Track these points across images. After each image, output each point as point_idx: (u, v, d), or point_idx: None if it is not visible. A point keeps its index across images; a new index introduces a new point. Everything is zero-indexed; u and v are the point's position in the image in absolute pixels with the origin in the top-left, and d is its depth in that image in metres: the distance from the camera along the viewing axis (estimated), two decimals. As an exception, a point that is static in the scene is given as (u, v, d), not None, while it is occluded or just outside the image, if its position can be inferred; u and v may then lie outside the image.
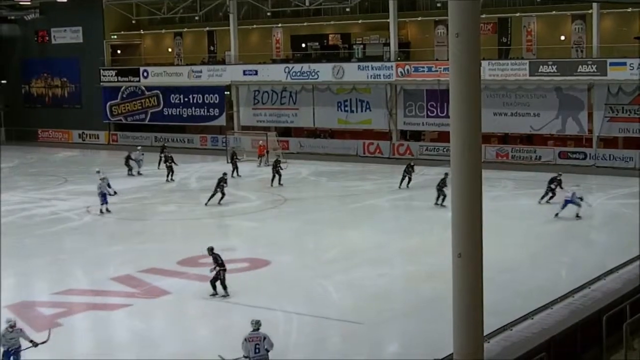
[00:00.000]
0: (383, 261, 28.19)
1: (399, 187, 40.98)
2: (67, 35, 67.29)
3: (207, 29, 63.62)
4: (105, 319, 23.01)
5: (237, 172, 46.41)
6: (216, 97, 59.77)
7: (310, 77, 54.96)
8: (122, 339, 21.62)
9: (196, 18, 62.78)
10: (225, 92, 59.20)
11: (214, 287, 24.33)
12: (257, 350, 17.54)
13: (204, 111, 60.58)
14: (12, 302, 24.43)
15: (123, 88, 64.08)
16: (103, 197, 37.31)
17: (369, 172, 47.19)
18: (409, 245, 30.39)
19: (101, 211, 37.20)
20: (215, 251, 24.45)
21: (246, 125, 58.21)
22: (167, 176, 45.65)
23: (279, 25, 59.81)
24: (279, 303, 23.62)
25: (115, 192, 39.06)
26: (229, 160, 47.77)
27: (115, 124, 65.73)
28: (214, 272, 24.28)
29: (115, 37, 66.57)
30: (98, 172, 41.26)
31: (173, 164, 45.99)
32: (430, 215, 34.16)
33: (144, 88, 63.16)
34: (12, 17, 69.67)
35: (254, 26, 61.41)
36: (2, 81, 72.57)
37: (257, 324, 17.85)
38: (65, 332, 21.96)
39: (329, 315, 22.53)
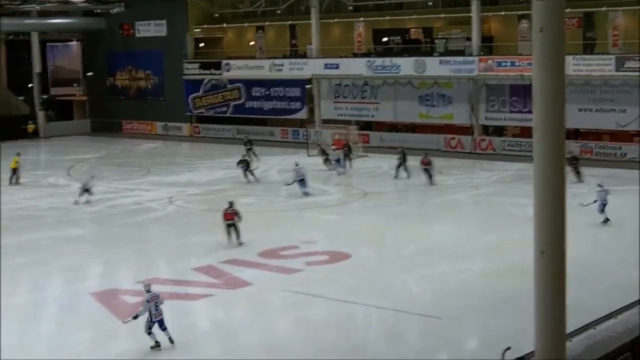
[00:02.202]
0: (463, 256, 28.04)
1: (395, 177, 42.81)
2: (151, 29, 68.22)
3: (289, 22, 63.89)
4: (186, 309, 23.31)
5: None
6: (297, 91, 60.02)
7: (392, 71, 54.84)
8: (202, 328, 21.87)
9: (278, 12, 63.15)
10: (307, 86, 59.40)
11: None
12: (157, 308, 20.16)
13: (285, 104, 60.89)
14: (99, 290, 25.01)
15: (205, 81, 64.75)
16: (301, 182, 39.25)
17: (450, 167, 46.86)
18: (490, 241, 30.15)
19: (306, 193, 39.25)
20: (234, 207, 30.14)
21: (327, 118, 58.33)
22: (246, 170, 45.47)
23: (361, 19, 59.74)
24: (358, 296, 23.68)
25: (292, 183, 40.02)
26: (319, 154, 47.62)
27: (198, 117, 66.48)
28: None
29: (199, 30, 67.28)
30: (297, 164, 41.18)
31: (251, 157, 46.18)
32: (512, 211, 33.87)
33: (226, 81, 63.74)
34: (98, 11, 70.92)
35: (336, 20, 61.42)
36: (88, 73, 73.96)
37: (148, 286, 20.47)
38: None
39: (408, 309, 22.51)
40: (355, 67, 56.76)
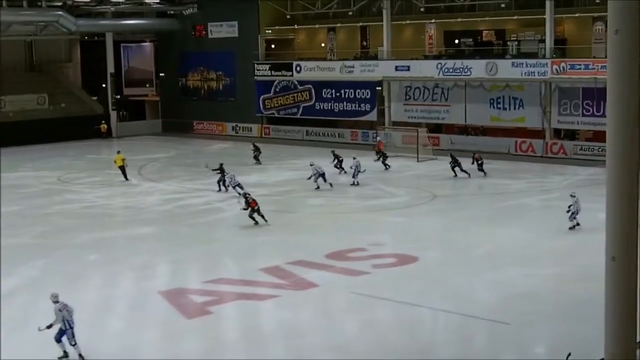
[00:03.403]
0: (532, 261, 27.74)
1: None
2: (223, 30, 68.74)
3: (360, 24, 63.91)
4: (253, 309, 23.42)
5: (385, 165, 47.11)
6: (368, 93, 59.96)
7: (463, 73, 54.48)
8: (269, 328, 21.94)
9: (350, 13, 63.13)
10: (377, 88, 59.32)
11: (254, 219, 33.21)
12: (71, 316, 19.92)
13: (355, 106, 60.85)
14: (167, 289, 25.26)
15: (276, 82, 65.04)
16: (321, 176, 41.31)
17: (520, 170, 46.44)
18: (559, 245, 29.78)
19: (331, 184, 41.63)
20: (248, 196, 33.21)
21: (397, 120, 58.16)
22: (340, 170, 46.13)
23: (433, 21, 59.49)
24: (425, 299, 23.57)
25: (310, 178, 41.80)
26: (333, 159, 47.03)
27: (268, 117, 66.80)
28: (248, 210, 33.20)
29: (270, 31, 67.61)
30: (311, 164, 42.46)
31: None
32: (582, 216, 33.35)
33: (296, 82, 63.95)
34: (172, 12, 71.72)
35: (407, 21, 61.25)
36: (161, 74, 74.82)
37: (56, 297, 20.23)
38: (215, 320, 22.52)
39: (475, 314, 22.34)
40: (426, 69, 56.52)
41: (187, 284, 26.07)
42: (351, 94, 60.81)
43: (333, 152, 47.27)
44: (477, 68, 53.83)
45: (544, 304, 23.25)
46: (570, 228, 31.35)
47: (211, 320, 22.52)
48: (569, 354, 16.07)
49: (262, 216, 33.81)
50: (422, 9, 59.54)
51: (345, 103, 61.33)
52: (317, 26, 67.17)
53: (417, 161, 49.56)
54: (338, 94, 61.62)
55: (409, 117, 57.73)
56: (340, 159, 46.30)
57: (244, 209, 33.98)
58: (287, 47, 68.18)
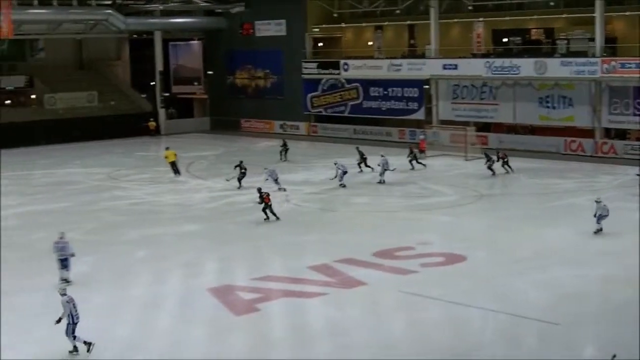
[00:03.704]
0: (581, 261, 27.50)
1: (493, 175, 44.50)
2: (270, 28, 68.90)
3: (408, 22, 63.72)
4: (301, 306, 23.46)
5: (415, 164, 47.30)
6: (415, 91, 59.79)
7: (511, 72, 54.10)
8: (316, 326, 21.94)
9: (397, 11, 62.96)
10: (425, 86, 59.13)
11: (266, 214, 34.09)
12: (76, 310, 20.00)
13: (403, 104, 60.71)
14: (215, 285, 25.39)
15: (324, 80, 65.09)
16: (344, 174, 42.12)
17: (569, 170, 46.04)
18: (608, 246, 29.43)
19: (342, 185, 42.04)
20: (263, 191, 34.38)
21: (445, 119, 57.94)
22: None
23: (481, 19, 59.09)
24: (473, 299, 23.47)
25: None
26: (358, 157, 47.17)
27: (316, 116, 66.87)
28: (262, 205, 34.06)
29: (317, 30, 67.65)
30: (335, 163, 43.14)
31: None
32: (633, 217, 33.04)
33: (344, 81, 63.94)
34: (219, 10, 72.05)
35: (455, 20, 60.94)
36: (209, 72, 75.20)
37: (63, 290, 20.42)
38: (263, 317, 22.59)
39: (524, 314, 22.19)
40: (474, 67, 56.24)
41: (235, 281, 26.17)
42: (399, 93, 60.71)
43: (357, 148, 47.48)
44: (526, 67, 53.43)
45: (593, 305, 23.06)
46: (595, 232, 30.83)
47: (259, 318, 22.60)
48: (614, 356, 15.95)
49: (274, 213, 34.55)
50: (470, 7, 59.23)
51: (392, 101, 61.24)
52: (364, 24, 67.06)
53: (465, 160, 49.32)
54: (386, 93, 61.54)
55: (457, 116, 57.47)
56: (364, 157, 46.49)
57: (259, 203, 34.49)
58: (334, 46, 68.20)
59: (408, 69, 59.99)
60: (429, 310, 22.87)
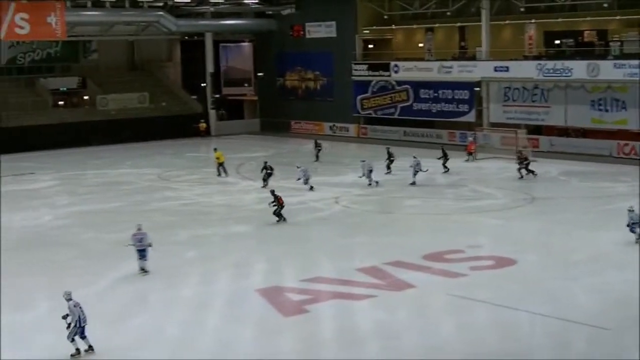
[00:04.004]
0: (633, 266, 27.07)
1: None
2: (321, 30, 68.99)
3: (459, 24, 63.43)
4: (349, 308, 23.42)
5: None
6: (466, 93, 59.50)
7: (563, 74, 53.59)
8: (365, 328, 21.88)
9: (448, 13, 62.73)
10: (475, 88, 58.82)
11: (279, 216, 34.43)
12: (83, 314, 19.95)
13: (453, 107, 60.45)
14: (264, 286, 25.45)
15: (374, 82, 65.03)
16: (370, 172, 42.86)
17: (622, 173, 45.42)
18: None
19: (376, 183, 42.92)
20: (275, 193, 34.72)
21: (495, 122, 57.55)
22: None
23: (533, 21, 58.60)
24: (523, 303, 23.26)
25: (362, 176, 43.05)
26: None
27: (365, 118, 66.81)
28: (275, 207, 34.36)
29: (367, 32, 67.59)
30: (363, 161, 43.85)
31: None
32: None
33: (394, 82, 63.81)
34: (270, 12, 72.30)
35: (507, 22, 60.55)
36: (259, 74, 75.46)
37: (69, 295, 20.24)
38: (312, 318, 22.59)
39: (574, 319, 21.95)
40: (526, 69, 55.81)
41: (284, 282, 26.21)
42: (449, 95, 60.46)
43: (388, 149, 47.70)
44: (578, 69, 52.90)
45: (645, 310, 22.75)
46: (636, 241, 29.95)
47: (307, 319, 22.61)
48: None
49: (282, 215, 34.96)
50: (522, 9, 58.78)
51: (443, 104, 61.00)
52: (414, 26, 66.90)
53: (516, 163, 48.93)
54: (436, 95, 61.33)
55: (508, 119, 57.07)
56: (392, 158, 46.89)
57: (273, 204, 34.74)
58: (384, 47, 68.08)
59: (459, 71, 59.74)
60: (477, 314, 22.72)
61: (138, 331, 20.63)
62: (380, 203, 39.59)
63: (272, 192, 35.27)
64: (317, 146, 53.21)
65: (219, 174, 47.03)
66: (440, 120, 62.13)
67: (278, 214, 34.66)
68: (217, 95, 74.04)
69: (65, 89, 69.44)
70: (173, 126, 67.00)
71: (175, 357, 20.07)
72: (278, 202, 34.61)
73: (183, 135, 66.05)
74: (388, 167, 46.47)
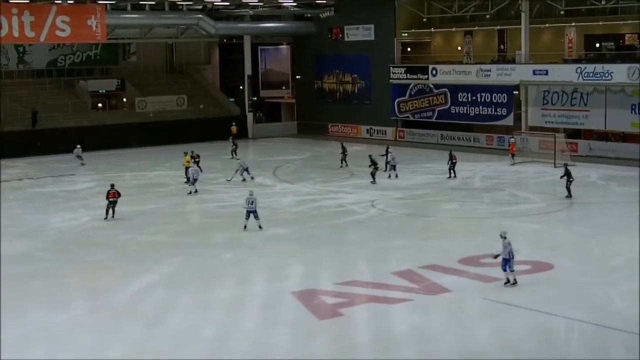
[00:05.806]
0: (673, 272, 26.84)
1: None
2: (359, 33, 68.96)
3: (498, 27, 63.14)
4: (384, 312, 23.37)
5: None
6: (504, 97, 59.15)
7: (603, 78, 53.15)
8: (400, 332, 21.83)
9: (487, 16, 62.49)
10: (514, 92, 58.47)
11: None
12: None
13: (491, 110, 60.13)
14: (300, 289, 25.44)
15: (412, 85, 64.86)
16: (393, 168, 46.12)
17: (661, 178, 45.02)
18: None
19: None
20: None
21: (534, 125, 57.21)
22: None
23: (573, 24, 58.22)
24: (560, 308, 23.09)
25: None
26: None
27: (403, 121, 66.67)
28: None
29: (406, 34, 67.46)
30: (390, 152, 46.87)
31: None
32: None
33: (432, 86, 63.63)
34: (308, 15, 72.38)
35: (546, 25, 60.19)
36: (297, 77, 75.56)
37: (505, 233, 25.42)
38: (346, 322, 22.56)
39: (611, 325, 21.75)
40: (565, 73, 55.42)
41: (319, 285, 26.20)
42: (487, 98, 60.13)
43: (342, 144, 51.35)
44: (619, 73, 52.46)
45: (685, 317, 22.48)
46: None
47: (342, 322, 22.58)
48: None
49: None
50: (561, 12, 58.41)
51: (481, 107, 60.68)
52: (453, 29, 66.65)
53: (554, 167, 48.57)
54: (474, 98, 61.03)
55: (546, 122, 56.72)
56: (346, 153, 50.73)
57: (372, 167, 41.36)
58: (423, 50, 67.93)
59: (497, 74, 59.43)
60: (513, 319, 22.58)
61: (174, 333, 20.71)
62: (416, 206, 39.50)
63: (370, 157, 44.29)
64: (343, 151, 52.47)
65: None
66: (478, 123, 61.87)
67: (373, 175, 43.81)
68: (255, 98, 74.20)
69: (104, 91, 70.01)
70: (211, 129, 67.20)
71: (211, 359, 20.13)
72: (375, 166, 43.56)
73: (221, 138, 66.18)
74: (342, 162, 50.35)
